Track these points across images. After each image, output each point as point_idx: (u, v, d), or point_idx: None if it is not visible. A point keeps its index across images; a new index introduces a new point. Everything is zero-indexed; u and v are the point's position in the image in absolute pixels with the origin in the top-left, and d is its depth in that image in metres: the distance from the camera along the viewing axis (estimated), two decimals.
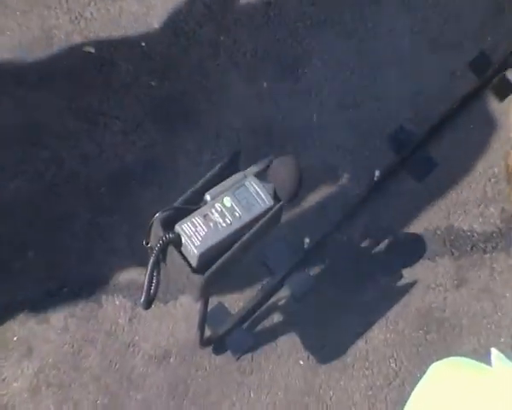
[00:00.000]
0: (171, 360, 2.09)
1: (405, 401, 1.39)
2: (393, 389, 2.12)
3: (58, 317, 2.12)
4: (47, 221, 2.16)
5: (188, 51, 2.38)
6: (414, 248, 2.27)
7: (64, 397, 2.06)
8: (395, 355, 2.13)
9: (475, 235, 2.24)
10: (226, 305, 2.08)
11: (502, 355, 1.41)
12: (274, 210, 1.61)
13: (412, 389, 1.40)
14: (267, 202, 1.61)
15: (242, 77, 2.35)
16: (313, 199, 2.19)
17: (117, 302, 2.13)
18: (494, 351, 1.43)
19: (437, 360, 1.42)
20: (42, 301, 2.12)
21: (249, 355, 2.13)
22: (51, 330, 2.09)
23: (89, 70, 2.35)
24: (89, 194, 2.23)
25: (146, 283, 1.57)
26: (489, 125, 2.36)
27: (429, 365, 1.40)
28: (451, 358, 1.49)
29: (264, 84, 2.34)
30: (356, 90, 2.38)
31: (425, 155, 2.15)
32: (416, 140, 2.15)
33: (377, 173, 2.03)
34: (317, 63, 2.38)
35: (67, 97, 2.32)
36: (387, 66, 2.40)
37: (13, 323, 2.09)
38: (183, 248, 1.55)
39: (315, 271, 2.16)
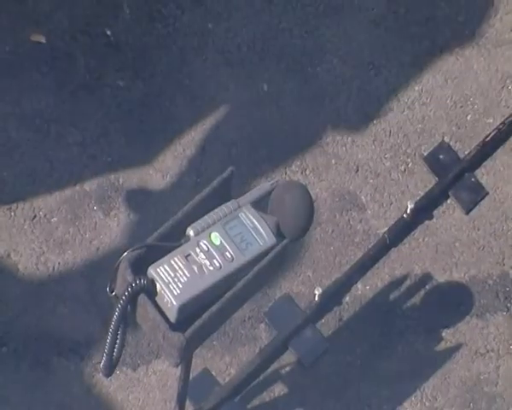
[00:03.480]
0: None
1: None
2: None
3: None
4: None
5: (166, 42, 2.50)
6: (457, 302, 2.36)
7: None
8: None
9: None
10: (213, 372, 2.19)
11: None
12: (276, 250, 1.70)
13: None
14: (268, 240, 1.71)
15: (236, 76, 2.49)
16: (326, 237, 2.26)
17: (71, 367, 2.21)
18: None
19: None
20: None
21: None
22: None
23: (38, 65, 2.45)
24: (36, 223, 2.34)
25: (108, 342, 1.65)
26: None
27: None
28: None
29: (264, 87, 2.44)
30: (381, 96, 2.51)
31: (472, 181, 2.22)
32: (461, 162, 2.23)
33: (410, 205, 2.11)
34: (333, 60, 2.51)
35: (11, 100, 2.42)
36: (422, 65, 2.50)
37: None
38: (157, 298, 1.63)
39: (328, 329, 2.27)
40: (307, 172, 2.39)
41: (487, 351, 2.34)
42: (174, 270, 1.63)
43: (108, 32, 2.46)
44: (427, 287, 2.38)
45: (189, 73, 2.48)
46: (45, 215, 2.33)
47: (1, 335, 2.27)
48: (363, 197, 2.42)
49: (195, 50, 2.48)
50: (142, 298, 1.62)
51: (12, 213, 2.37)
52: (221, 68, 2.47)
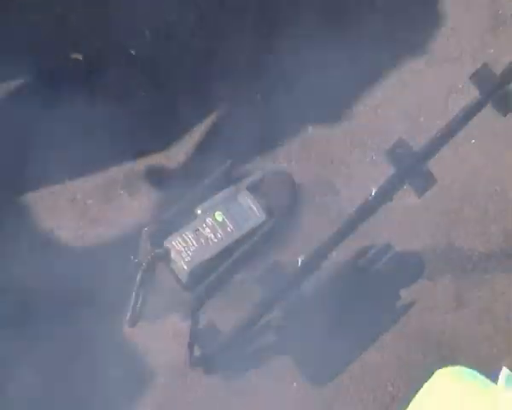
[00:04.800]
0: (160, 380, 2.12)
1: None
2: None
3: None
4: None
5: (180, 59, 2.44)
6: (412, 268, 2.29)
7: None
8: (392, 379, 2.17)
9: (476, 254, 2.29)
10: (217, 324, 2.12)
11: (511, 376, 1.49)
12: (267, 225, 1.64)
13: None
14: (260, 217, 1.65)
15: (235, 87, 2.41)
16: (307, 215, 2.23)
17: (103, 320, 2.19)
18: (505, 370, 1.52)
19: None
20: None
21: (241, 376, 2.18)
22: None
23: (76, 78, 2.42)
24: (74, 204, 2.27)
25: (133, 300, 1.61)
26: (491, 141, 2.40)
27: None
28: (457, 367, 1.57)
29: (258, 96, 2.38)
30: (353, 101, 2.44)
31: (424, 170, 2.20)
32: (415, 154, 2.20)
33: (374, 190, 2.08)
34: (313, 72, 2.44)
35: (51, 106, 2.38)
36: (385, 76, 2.47)
37: None
38: (172, 264, 1.58)
39: (309, 291, 2.20)
40: (292, 163, 2.35)
41: (436, 306, 2.32)
42: (185, 241, 1.59)
43: (132, 52, 2.45)
44: (387, 255, 2.33)
45: (197, 81, 2.46)
46: (82, 198, 2.30)
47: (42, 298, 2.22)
48: (336, 184, 2.38)
49: (202, 66, 2.46)
50: (160, 264, 1.62)
51: (54, 197, 2.35)
52: (224, 80, 2.45)
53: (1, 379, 2.12)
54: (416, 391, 1.53)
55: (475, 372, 1.58)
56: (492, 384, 1.52)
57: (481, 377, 1.59)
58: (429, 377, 1.55)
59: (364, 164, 2.36)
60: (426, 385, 1.58)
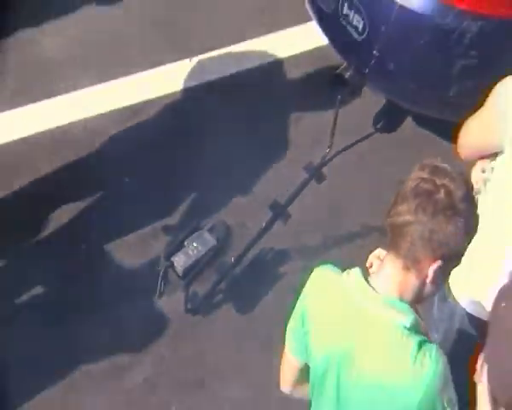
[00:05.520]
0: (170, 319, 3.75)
1: None
2: None
3: None
4: None
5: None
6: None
7: None
8: None
9: None
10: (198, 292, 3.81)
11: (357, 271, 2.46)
12: (216, 246, 3.61)
13: None
14: (213, 242, 3.63)
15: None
16: (236, 237, 3.98)
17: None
18: (357, 269, 2.45)
19: None
20: None
21: (213, 317, 3.78)
22: None
23: None
24: None
25: (158, 285, 3.56)
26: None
27: None
28: (325, 265, 2.57)
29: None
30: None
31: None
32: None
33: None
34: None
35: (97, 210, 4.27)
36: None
37: None
38: (175, 268, 3.54)
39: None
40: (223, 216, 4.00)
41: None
42: (180, 257, 3.51)
43: (127, 179, 4.13)
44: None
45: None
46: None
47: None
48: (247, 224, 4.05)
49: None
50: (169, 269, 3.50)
51: None
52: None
53: None
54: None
55: (335, 268, 2.56)
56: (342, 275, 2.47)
57: (338, 271, 2.54)
58: None
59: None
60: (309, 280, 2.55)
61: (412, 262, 2.52)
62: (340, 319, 2.61)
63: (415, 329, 2.55)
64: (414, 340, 2.52)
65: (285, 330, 2.85)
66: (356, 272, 2.59)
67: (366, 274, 2.62)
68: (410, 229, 2.50)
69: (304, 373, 2.81)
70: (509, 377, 2.43)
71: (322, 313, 2.66)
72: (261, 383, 3.80)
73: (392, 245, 2.53)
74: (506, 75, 3.06)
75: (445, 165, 2.59)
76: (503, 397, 2.44)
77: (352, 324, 2.59)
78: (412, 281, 2.52)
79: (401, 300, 2.51)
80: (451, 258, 2.55)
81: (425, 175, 2.52)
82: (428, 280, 2.52)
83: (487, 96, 3.06)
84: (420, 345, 2.53)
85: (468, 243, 2.56)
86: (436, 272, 2.53)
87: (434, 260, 2.49)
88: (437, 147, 4.40)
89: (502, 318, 2.50)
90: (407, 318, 2.50)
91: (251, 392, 3.93)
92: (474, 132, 3.18)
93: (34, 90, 4.43)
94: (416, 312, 2.63)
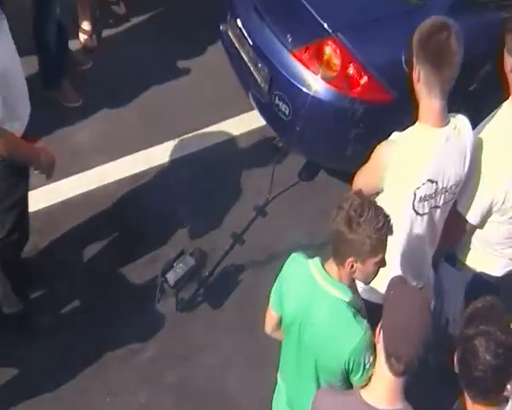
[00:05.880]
0: (164, 311, 4.59)
1: None
2: None
3: None
4: None
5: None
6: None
7: None
8: None
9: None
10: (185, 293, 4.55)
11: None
12: (194, 265, 4.59)
13: None
14: (192, 262, 4.57)
15: None
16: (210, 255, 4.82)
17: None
18: (318, 258, 2.96)
19: None
20: None
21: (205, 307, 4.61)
22: None
23: None
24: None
25: (157, 293, 4.64)
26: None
27: None
28: (299, 253, 3.05)
29: None
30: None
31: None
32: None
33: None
34: None
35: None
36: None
37: None
38: (168, 281, 4.54)
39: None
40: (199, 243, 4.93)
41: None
42: (171, 274, 4.46)
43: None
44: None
45: None
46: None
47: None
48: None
49: None
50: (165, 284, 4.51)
51: None
52: None
53: None
54: None
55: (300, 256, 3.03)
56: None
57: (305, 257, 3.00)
58: None
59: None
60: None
61: (339, 260, 2.95)
62: (304, 289, 3.02)
63: (352, 304, 2.95)
64: (351, 311, 2.93)
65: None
66: (317, 260, 3.02)
67: (324, 263, 3.01)
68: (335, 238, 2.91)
69: (279, 323, 3.25)
70: (394, 337, 2.74)
71: (293, 283, 3.08)
72: (229, 354, 4.57)
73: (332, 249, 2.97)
74: (383, 140, 3.42)
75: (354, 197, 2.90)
76: (392, 350, 2.75)
77: (312, 293, 2.99)
78: (342, 271, 2.96)
79: (340, 281, 2.95)
80: (359, 256, 2.86)
81: (344, 205, 2.86)
82: (351, 271, 2.92)
83: (371, 154, 3.45)
84: (355, 316, 2.94)
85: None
86: (351, 265, 2.91)
87: (348, 257, 2.89)
88: (341, 188, 4.77)
89: (390, 300, 2.85)
90: (346, 295, 2.95)
91: (221, 359, 4.57)
92: (363, 179, 3.52)
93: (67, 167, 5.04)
94: (355, 292, 3.05)
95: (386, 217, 2.85)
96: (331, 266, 2.95)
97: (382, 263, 2.89)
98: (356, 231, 2.78)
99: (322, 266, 2.97)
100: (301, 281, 3.01)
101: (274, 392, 3.53)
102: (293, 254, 3.14)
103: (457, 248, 3.84)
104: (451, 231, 3.64)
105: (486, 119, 3.65)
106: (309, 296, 2.96)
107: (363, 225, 2.78)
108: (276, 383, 3.48)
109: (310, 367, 3.06)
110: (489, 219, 3.64)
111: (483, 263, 3.81)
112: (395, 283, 2.86)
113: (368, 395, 2.80)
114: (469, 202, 3.54)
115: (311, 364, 3.05)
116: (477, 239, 3.74)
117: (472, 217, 3.57)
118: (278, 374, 3.41)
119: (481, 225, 3.65)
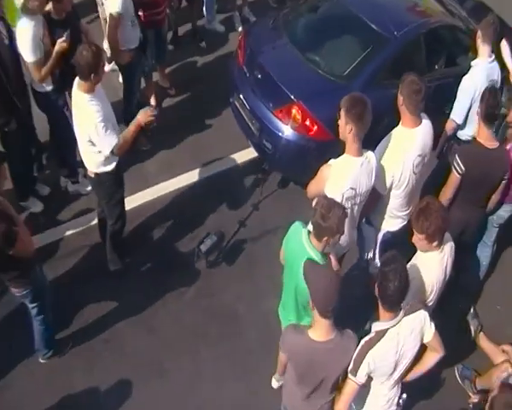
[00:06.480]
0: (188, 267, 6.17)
1: None
2: None
3: None
4: None
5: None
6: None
7: None
8: None
9: None
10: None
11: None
12: (217, 241, 6.48)
13: None
14: (215, 239, 6.52)
15: None
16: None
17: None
18: (306, 230, 3.88)
19: None
20: None
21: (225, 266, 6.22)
22: None
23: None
24: None
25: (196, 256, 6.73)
26: None
27: None
28: (298, 222, 3.98)
29: None
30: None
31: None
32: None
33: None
34: None
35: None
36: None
37: None
38: (202, 249, 6.58)
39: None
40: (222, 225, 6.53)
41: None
42: (203, 245, 6.33)
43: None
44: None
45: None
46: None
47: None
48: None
49: None
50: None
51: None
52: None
53: None
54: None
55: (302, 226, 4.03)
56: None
57: (303, 225, 3.97)
58: None
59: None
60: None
61: (318, 238, 3.80)
62: (297, 245, 3.81)
63: (318, 262, 3.83)
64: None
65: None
66: (306, 230, 3.73)
67: (310, 234, 3.79)
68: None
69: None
70: (320, 298, 3.36)
71: (291, 238, 3.94)
72: (240, 292, 5.93)
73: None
74: (325, 163, 4.45)
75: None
76: (320, 306, 3.33)
77: (299, 249, 3.81)
78: (318, 244, 3.74)
79: (315, 248, 3.78)
80: (331, 235, 3.64)
81: (317, 206, 3.58)
82: (325, 243, 3.75)
83: (319, 169, 4.49)
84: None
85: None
86: (326, 241, 3.69)
87: (324, 237, 3.72)
88: (300, 191, 5.80)
89: (313, 277, 3.41)
90: (316, 256, 3.80)
91: (235, 295, 5.87)
92: (313, 186, 4.48)
93: None
94: (323, 255, 3.79)
95: (344, 209, 3.76)
96: (313, 239, 3.86)
97: (342, 235, 3.99)
98: (327, 222, 3.68)
99: (308, 236, 3.81)
100: (296, 240, 3.92)
101: (278, 306, 4.75)
102: (296, 222, 3.97)
103: (372, 214, 5.07)
104: (369, 204, 4.81)
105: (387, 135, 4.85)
106: (297, 249, 3.91)
107: (332, 218, 3.65)
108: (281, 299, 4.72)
109: (292, 288, 4.14)
110: (391, 193, 4.79)
111: (387, 222, 5.06)
112: (312, 266, 3.63)
113: (312, 333, 3.60)
114: (382, 182, 4.74)
115: (293, 286, 4.10)
116: (383, 207, 4.96)
117: (382, 189, 4.79)
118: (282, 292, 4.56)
119: (387, 197, 4.80)
